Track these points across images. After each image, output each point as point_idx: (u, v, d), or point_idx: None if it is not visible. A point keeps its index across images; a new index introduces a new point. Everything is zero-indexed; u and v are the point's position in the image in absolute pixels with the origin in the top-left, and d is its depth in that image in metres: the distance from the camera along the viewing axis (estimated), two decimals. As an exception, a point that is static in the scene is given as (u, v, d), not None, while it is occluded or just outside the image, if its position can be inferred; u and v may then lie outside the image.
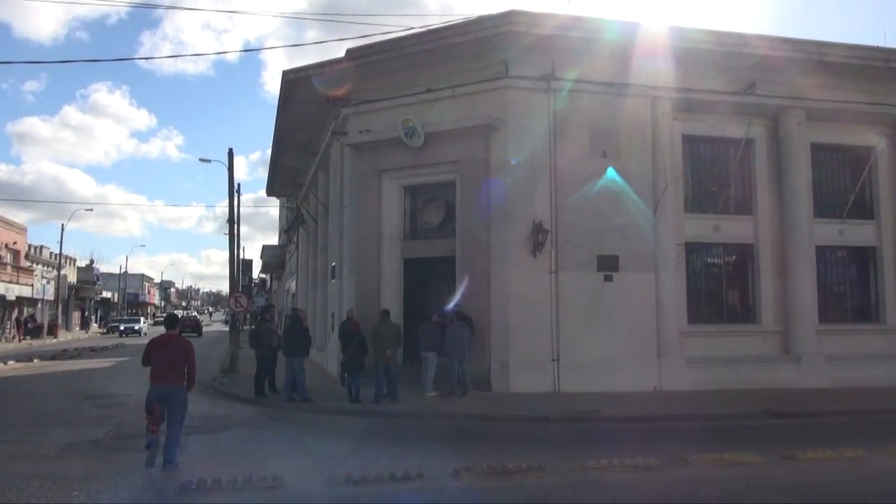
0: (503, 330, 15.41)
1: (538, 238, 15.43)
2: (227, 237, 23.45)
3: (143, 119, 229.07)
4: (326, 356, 21.21)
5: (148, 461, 8.53)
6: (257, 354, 15.34)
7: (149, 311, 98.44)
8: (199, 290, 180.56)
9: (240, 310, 21.34)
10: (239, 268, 35.34)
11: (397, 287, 17.29)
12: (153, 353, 8.90)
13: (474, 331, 15.03)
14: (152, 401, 8.65)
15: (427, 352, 14.75)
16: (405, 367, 16.72)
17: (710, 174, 17.43)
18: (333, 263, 20.08)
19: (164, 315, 12.15)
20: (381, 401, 13.78)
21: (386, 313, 14.72)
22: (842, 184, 17.80)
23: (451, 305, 15.17)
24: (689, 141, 17.06)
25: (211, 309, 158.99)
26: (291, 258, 40.18)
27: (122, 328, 52.52)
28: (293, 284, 37.63)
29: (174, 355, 8.80)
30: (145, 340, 45.85)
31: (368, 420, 12.39)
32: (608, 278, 15.76)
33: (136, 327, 52.49)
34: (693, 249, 17.01)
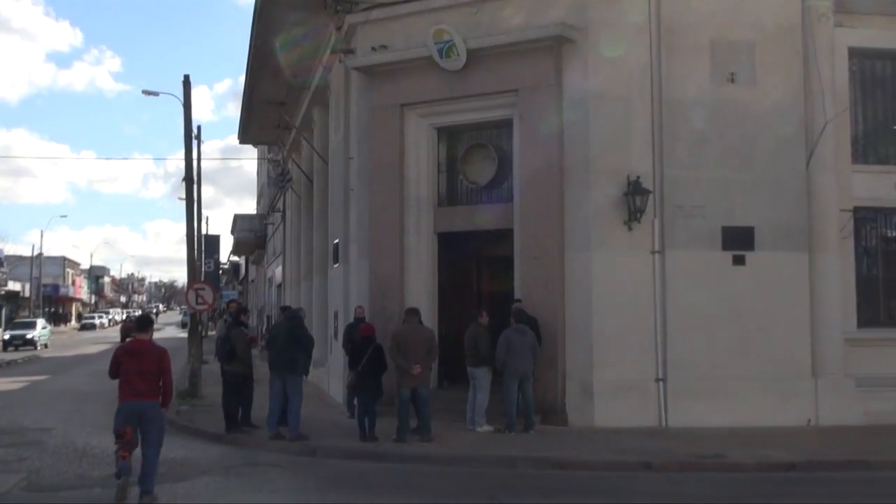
0: (583, 337, 15.60)
1: (635, 203, 15.49)
2: (185, 204, 23.66)
3: (63, 35, 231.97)
4: (326, 374, 21.86)
5: (118, 495, 9.44)
6: (227, 372, 15.45)
7: (73, 309, 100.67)
8: (144, 279, 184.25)
9: (202, 308, 21.61)
10: (201, 248, 35.78)
11: (429, 274, 17.57)
12: (121, 362, 9.88)
13: (541, 338, 15.16)
14: (122, 422, 9.63)
15: (475, 367, 14.94)
16: (442, 390, 17.13)
17: (892, 107, 17.22)
18: (336, 241, 20.42)
19: (135, 316, 13.04)
20: (408, 439, 13.94)
21: (413, 313, 14.77)
22: None
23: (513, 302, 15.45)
24: (859, 57, 16.87)
25: (161, 306, 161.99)
26: (275, 234, 40.58)
27: (6, 337, 48.23)
28: (278, 271, 38.11)
29: (146, 366, 9.79)
30: (54, 353, 46.57)
31: (389, 467, 12.52)
32: (739, 260, 15.77)
33: (30, 335, 48.23)
34: (865, 218, 16.89)
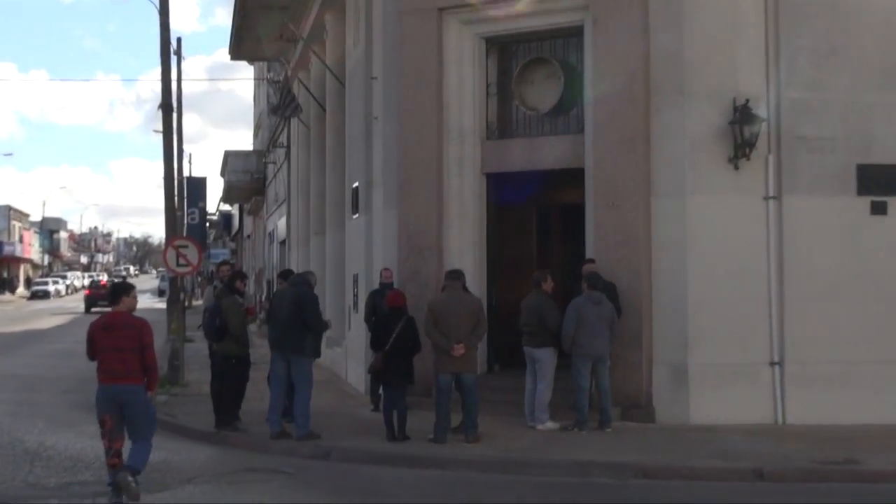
0: (676, 308, 15.69)
1: (743, 134, 15.47)
2: (161, 138, 23.66)
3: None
4: (343, 356, 22.14)
5: (112, 496, 10.42)
6: (217, 353, 15.58)
7: (21, 272, 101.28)
8: (110, 234, 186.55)
9: (185, 270, 21.78)
10: (182, 194, 35.79)
11: (475, 227, 17.68)
12: (95, 340, 10.68)
13: (621, 310, 15.28)
14: (100, 407, 10.59)
15: (536, 347, 15.03)
16: (492, 375, 17.29)
17: None
18: (356, 184, 20.56)
19: (110, 284, 13.33)
20: (449, 438, 14.05)
21: (455, 276, 14.79)
22: None
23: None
24: None
25: (132, 269, 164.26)
26: (277, 176, 40.65)
27: None
28: (281, 224, 38.24)
29: (123, 342, 10.54)
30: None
31: (423, 475, 12.60)
32: (879, 209, 15.73)
33: None
34: None
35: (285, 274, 17.30)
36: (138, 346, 10.47)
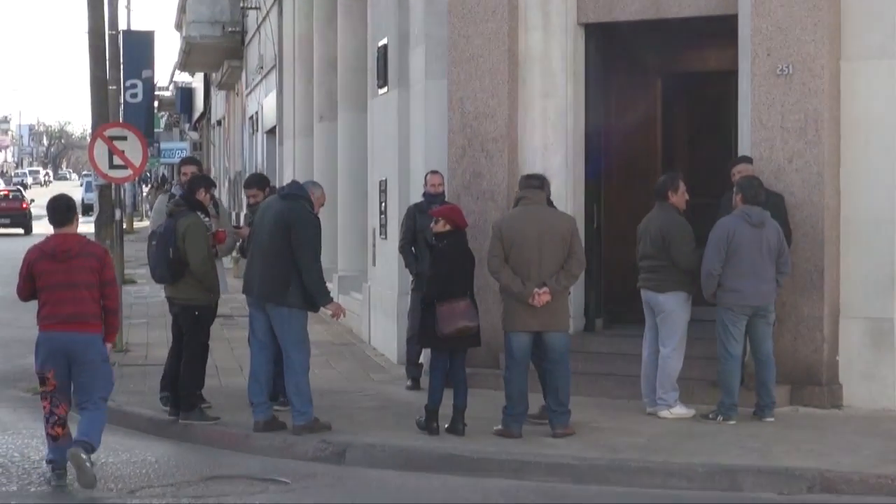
0: (878, 232, 15.91)
1: None
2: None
3: None
4: (366, 305, 22.34)
5: (52, 479, 11.71)
6: (175, 301, 15.73)
7: None
8: (7, 120, 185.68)
9: (123, 176, 21.91)
10: (117, 58, 35.41)
11: (567, 107, 17.72)
12: (38, 273, 11.64)
13: (791, 235, 15.39)
14: (42, 360, 11.62)
15: (660, 293, 15.19)
16: (592, 335, 17.54)
17: None
18: (384, 41, 20.79)
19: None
20: (526, 430, 14.11)
21: (536, 184, 14.76)
22: None
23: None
24: None
25: (44, 173, 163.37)
26: (262, 29, 40.51)
27: None
28: (268, 103, 38.29)
29: (77, 275, 11.59)
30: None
31: (490, 488, 12.60)
32: None
33: None
34: None
35: (258, 181, 17.37)
36: (97, 281, 11.48)
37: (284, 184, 18.21)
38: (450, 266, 14.36)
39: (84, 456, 11.10)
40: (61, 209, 11.75)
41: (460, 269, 14.29)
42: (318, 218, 14.83)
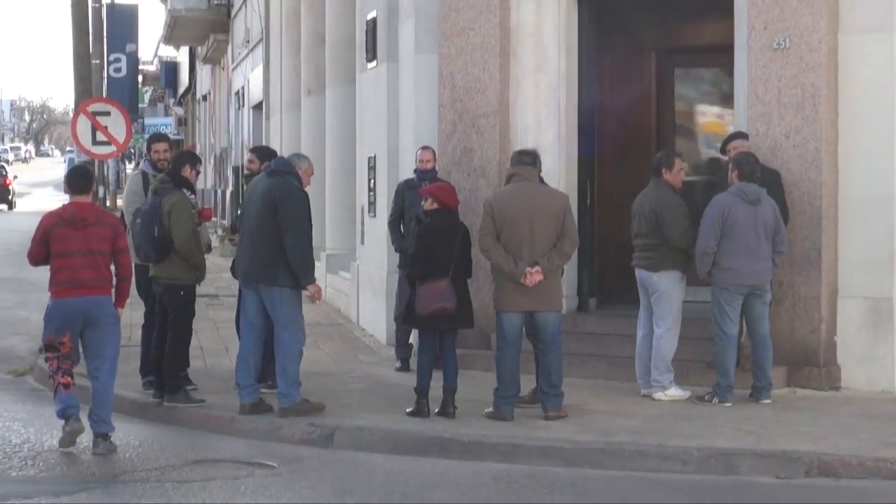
0: (877, 208, 15.90)
1: None
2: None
3: None
4: (354, 283, 22.43)
5: (64, 440, 12.63)
6: (159, 281, 15.63)
7: None
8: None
9: (106, 151, 22.20)
10: (100, 32, 35.31)
11: (559, 82, 17.71)
12: (54, 238, 12.42)
13: (788, 212, 15.39)
14: (56, 327, 12.48)
15: (653, 272, 15.20)
16: (585, 315, 17.70)
17: None
18: (372, 15, 20.76)
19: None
20: (517, 412, 14.16)
21: (528, 160, 14.70)
22: None
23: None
24: None
25: (26, 149, 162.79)
26: (249, 2, 40.31)
27: None
28: (255, 78, 38.26)
29: (94, 242, 12.45)
30: None
31: (482, 471, 12.56)
32: None
33: None
34: None
35: (256, 149, 17.32)
36: (110, 249, 12.43)
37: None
38: (430, 245, 14.34)
39: (103, 447, 12.42)
40: (81, 177, 12.65)
41: (443, 249, 14.23)
42: (306, 193, 14.74)
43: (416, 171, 17.23)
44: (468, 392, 14.41)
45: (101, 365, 12.56)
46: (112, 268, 12.85)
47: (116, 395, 15.14)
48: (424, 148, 17.39)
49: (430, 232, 14.37)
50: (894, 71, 15.67)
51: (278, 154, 17.23)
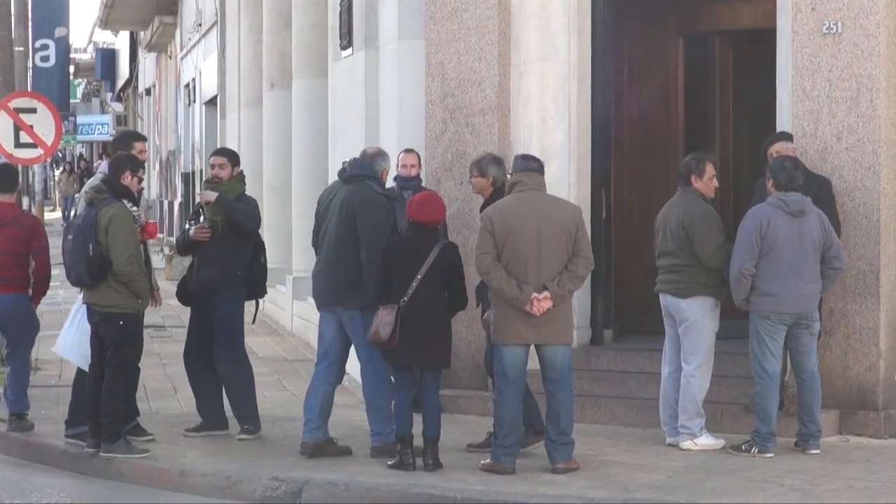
0: None
1: None
2: None
3: None
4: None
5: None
6: (95, 309, 15.25)
7: None
8: None
9: (32, 155, 22.11)
10: (25, 12, 35.31)
11: (570, 73, 17.65)
12: None
13: (840, 226, 15.16)
14: None
15: (681, 298, 14.99)
16: (600, 349, 17.74)
17: None
18: None
19: None
20: (517, 460, 13.97)
21: (532, 167, 14.41)
22: None
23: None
24: None
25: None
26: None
27: None
28: (208, 69, 38.28)
29: (6, 244, 14.40)
30: None
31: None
32: None
33: None
34: None
35: (230, 153, 17.18)
36: (24, 250, 14.37)
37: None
38: (392, 264, 14.33)
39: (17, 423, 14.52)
40: (5, 175, 14.42)
41: (408, 269, 14.14)
42: (390, 200, 15.46)
43: (397, 178, 16.80)
44: (461, 439, 14.57)
45: (15, 356, 14.93)
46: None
47: (45, 444, 16.20)
48: (407, 151, 17.24)
49: (396, 246, 14.45)
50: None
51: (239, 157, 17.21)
